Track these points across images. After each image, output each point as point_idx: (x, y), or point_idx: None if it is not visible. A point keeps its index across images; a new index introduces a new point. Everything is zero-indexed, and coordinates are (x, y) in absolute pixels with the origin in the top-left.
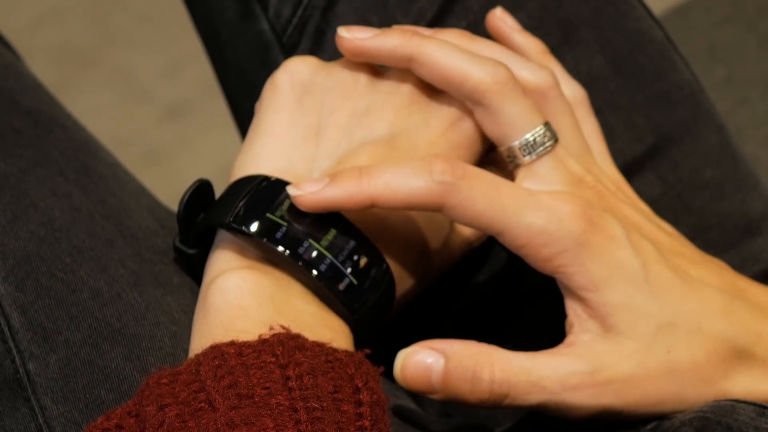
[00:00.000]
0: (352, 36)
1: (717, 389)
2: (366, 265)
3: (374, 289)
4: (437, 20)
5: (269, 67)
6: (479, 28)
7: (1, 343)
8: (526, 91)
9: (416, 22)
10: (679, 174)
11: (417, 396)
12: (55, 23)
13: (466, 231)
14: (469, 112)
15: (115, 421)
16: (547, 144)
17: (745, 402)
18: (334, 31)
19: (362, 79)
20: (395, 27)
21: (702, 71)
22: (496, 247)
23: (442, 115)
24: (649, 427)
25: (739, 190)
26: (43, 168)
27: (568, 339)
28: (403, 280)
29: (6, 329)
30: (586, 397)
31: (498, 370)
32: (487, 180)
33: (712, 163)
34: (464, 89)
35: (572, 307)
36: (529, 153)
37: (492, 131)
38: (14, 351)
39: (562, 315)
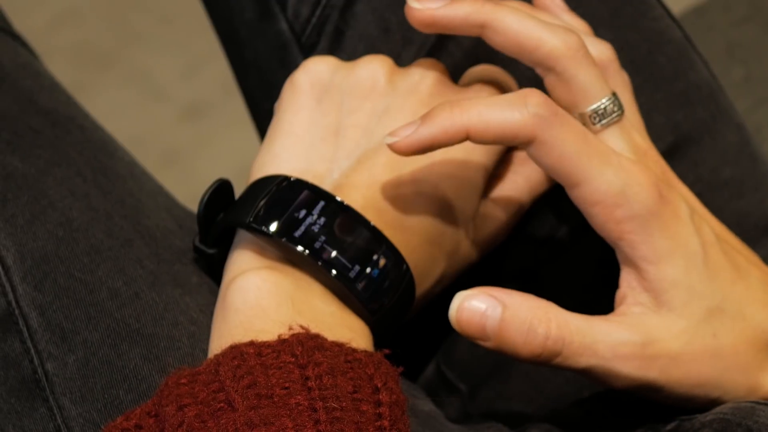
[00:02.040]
0: (423, 6)
1: (753, 379)
2: (386, 265)
3: (394, 289)
4: None
5: (288, 67)
6: None
7: (19, 343)
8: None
9: None
10: (698, 173)
11: (436, 397)
12: (73, 23)
13: (484, 233)
14: None
15: (134, 421)
16: (616, 113)
17: (765, 404)
18: (353, 31)
19: (381, 79)
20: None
21: (720, 71)
22: (513, 248)
23: None
24: (669, 427)
25: (759, 189)
26: (61, 168)
27: (620, 309)
28: (422, 281)
29: (24, 329)
30: (632, 368)
31: (554, 326)
32: (577, 126)
33: (731, 162)
34: (538, 55)
35: (627, 278)
36: (599, 121)
37: (563, 98)
38: (32, 351)
39: (588, 306)
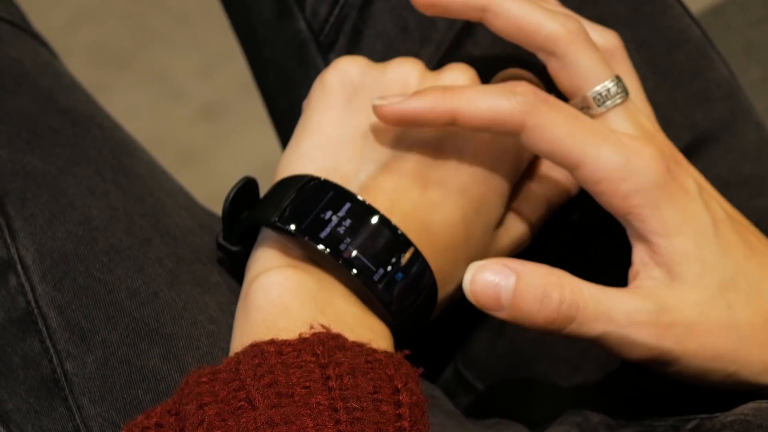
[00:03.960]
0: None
1: None
2: (409, 268)
3: (416, 293)
4: None
5: (306, 66)
6: None
7: (38, 342)
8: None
9: (453, 21)
10: (718, 171)
11: (454, 397)
12: (91, 23)
13: (507, 237)
14: None
15: (154, 420)
16: (619, 95)
17: None
18: (371, 30)
19: (412, 81)
20: None
21: (738, 71)
22: (532, 250)
23: None
24: (690, 426)
25: None
26: (80, 167)
27: (633, 284)
28: (444, 285)
29: (43, 329)
30: (648, 336)
31: (568, 291)
32: (568, 109)
33: (750, 161)
34: (538, 39)
35: (639, 255)
36: (603, 103)
37: (565, 82)
38: (52, 351)
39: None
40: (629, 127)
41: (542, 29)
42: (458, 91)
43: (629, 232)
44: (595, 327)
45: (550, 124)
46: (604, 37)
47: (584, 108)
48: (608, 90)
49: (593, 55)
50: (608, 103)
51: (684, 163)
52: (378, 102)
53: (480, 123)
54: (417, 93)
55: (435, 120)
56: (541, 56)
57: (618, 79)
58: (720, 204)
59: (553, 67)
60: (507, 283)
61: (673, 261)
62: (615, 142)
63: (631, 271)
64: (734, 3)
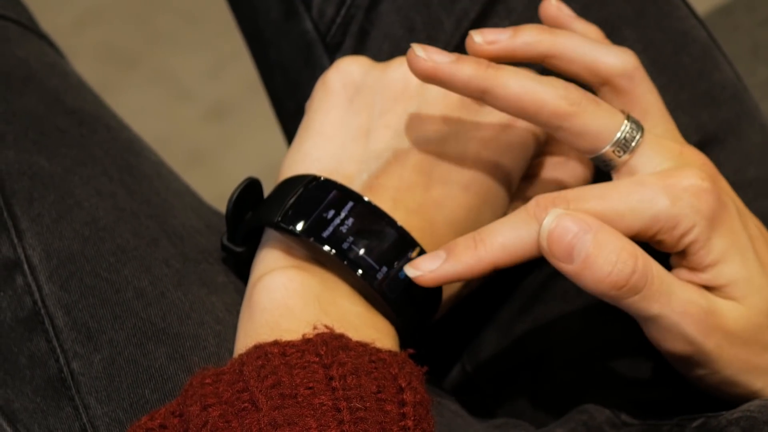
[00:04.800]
0: (427, 57)
1: None
2: None
3: (421, 290)
4: (480, 20)
5: (313, 66)
6: None
7: (45, 342)
8: (611, 79)
9: (459, 22)
10: (723, 173)
11: (461, 395)
12: (98, 23)
13: None
14: None
15: (159, 421)
16: (637, 137)
17: None
18: (378, 31)
19: (413, 80)
20: (472, 39)
21: (745, 71)
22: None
23: (494, 118)
24: (695, 424)
25: None
26: (87, 167)
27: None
28: (449, 284)
29: (50, 329)
30: (695, 331)
31: (641, 263)
32: (594, 195)
33: (755, 163)
34: (542, 117)
35: (683, 275)
36: (624, 151)
37: (580, 147)
38: (58, 350)
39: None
40: (660, 159)
41: (545, 107)
42: (488, 242)
43: (675, 259)
44: (653, 306)
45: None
46: (622, 59)
47: (606, 161)
48: (625, 138)
49: (599, 113)
50: (631, 146)
51: (717, 176)
52: (411, 273)
53: (521, 261)
54: (449, 252)
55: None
56: (549, 130)
57: (629, 120)
58: (752, 220)
59: (564, 138)
60: (585, 237)
61: (719, 285)
62: (653, 193)
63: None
64: (742, 3)
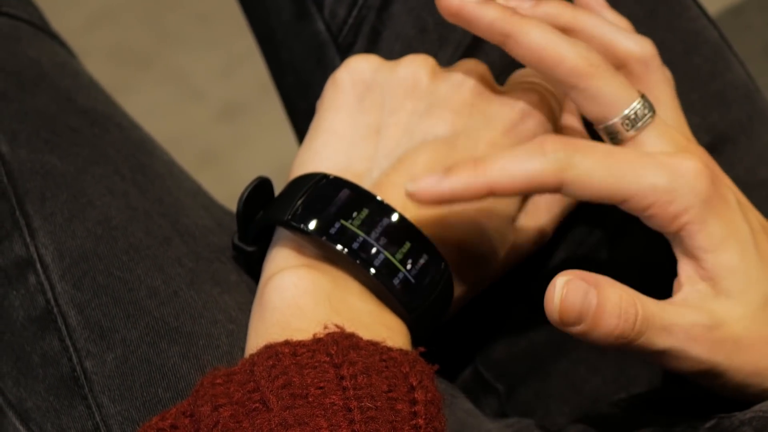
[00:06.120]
0: None
1: None
2: (425, 264)
3: (432, 287)
4: None
5: (325, 67)
6: None
7: (58, 341)
8: (627, 62)
9: None
10: (735, 173)
11: (474, 395)
12: (110, 23)
13: (524, 236)
14: (531, 113)
15: (169, 421)
16: (648, 116)
17: None
18: (390, 31)
19: (424, 78)
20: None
21: (757, 71)
22: (553, 250)
23: (504, 115)
24: (708, 425)
25: None
26: (99, 166)
27: (678, 296)
28: (461, 282)
29: (63, 327)
30: (702, 351)
31: (640, 307)
32: (600, 149)
33: (766, 163)
34: (559, 72)
35: (685, 269)
36: (632, 127)
37: (591, 112)
38: (71, 349)
39: None
40: (664, 144)
41: (563, 62)
42: (490, 163)
43: (675, 248)
44: (658, 342)
45: (587, 173)
46: (640, 46)
47: (613, 134)
48: (635, 113)
49: (615, 82)
50: (639, 124)
51: (720, 173)
52: (411, 188)
53: (518, 190)
54: (448, 171)
55: (473, 197)
56: (562, 88)
57: (643, 99)
58: (754, 214)
59: (576, 98)
60: (589, 297)
61: (719, 275)
62: (655, 165)
63: (676, 283)
64: (753, 3)
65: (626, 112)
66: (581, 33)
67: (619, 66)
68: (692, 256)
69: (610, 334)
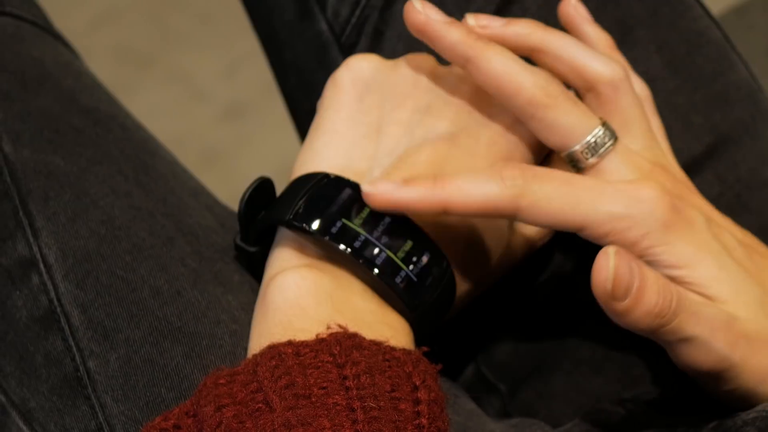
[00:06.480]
0: (422, 10)
1: None
2: (427, 263)
3: (435, 286)
4: None
5: (327, 67)
6: None
7: (61, 341)
8: (596, 85)
9: None
10: (738, 173)
11: (476, 395)
12: (113, 23)
13: (526, 234)
14: None
15: (172, 422)
16: (608, 143)
17: None
18: (392, 31)
19: (424, 77)
20: (466, 21)
21: (761, 71)
22: (556, 249)
23: (504, 114)
24: (711, 425)
25: None
26: (102, 166)
27: None
28: (463, 280)
29: (66, 327)
30: (722, 344)
31: (674, 289)
32: (558, 178)
33: None
34: (517, 101)
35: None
36: (593, 154)
37: (549, 141)
38: (74, 349)
39: None
40: (626, 171)
41: (521, 92)
42: (448, 181)
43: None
44: (687, 328)
45: (544, 200)
46: (610, 69)
47: (574, 161)
48: (596, 141)
49: (575, 111)
50: (600, 151)
51: (690, 196)
52: (366, 188)
53: (473, 211)
54: (407, 182)
55: (426, 210)
56: (520, 117)
57: (605, 126)
58: (731, 232)
59: (535, 128)
60: (634, 270)
61: (704, 285)
62: (612, 193)
63: None
64: (757, 3)
65: (586, 140)
66: (550, 54)
67: (589, 88)
68: (669, 276)
69: (650, 311)
